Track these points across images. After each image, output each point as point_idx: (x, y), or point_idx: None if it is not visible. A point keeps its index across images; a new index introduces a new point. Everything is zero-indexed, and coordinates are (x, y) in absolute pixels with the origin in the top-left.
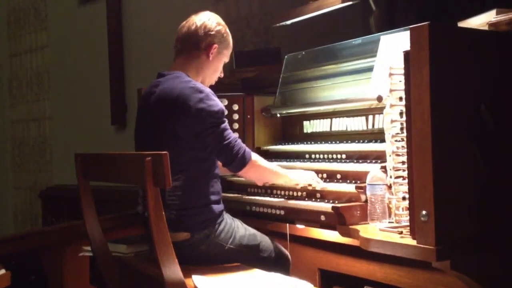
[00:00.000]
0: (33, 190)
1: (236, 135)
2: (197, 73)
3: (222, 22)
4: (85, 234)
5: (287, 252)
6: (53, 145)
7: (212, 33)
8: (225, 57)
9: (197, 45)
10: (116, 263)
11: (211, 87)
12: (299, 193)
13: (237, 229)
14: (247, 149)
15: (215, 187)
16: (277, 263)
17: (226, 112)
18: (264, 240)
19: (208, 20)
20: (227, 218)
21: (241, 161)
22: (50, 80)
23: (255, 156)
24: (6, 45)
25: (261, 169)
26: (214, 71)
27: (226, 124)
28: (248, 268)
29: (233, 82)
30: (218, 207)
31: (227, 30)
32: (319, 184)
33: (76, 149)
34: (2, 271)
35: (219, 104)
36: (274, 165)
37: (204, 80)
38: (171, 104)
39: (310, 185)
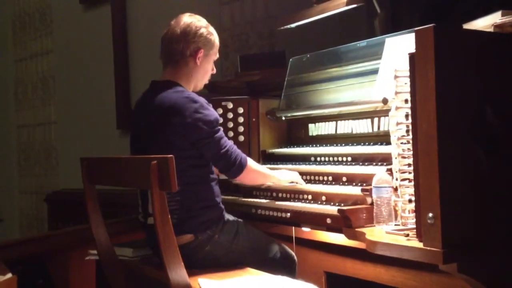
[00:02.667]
0: (39, 195)
1: (231, 142)
2: (188, 80)
3: (204, 23)
4: (91, 238)
5: (293, 253)
6: (59, 150)
7: (195, 39)
8: (213, 56)
9: (182, 54)
10: (122, 267)
11: (206, 89)
12: (305, 196)
13: (240, 230)
14: (243, 155)
15: (213, 190)
16: (282, 264)
17: (221, 121)
18: (268, 241)
19: (187, 26)
20: (230, 218)
21: (239, 168)
22: (55, 85)
23: (250, 161)
24: (12, 50)
25: (255, 173)
26: (205, 73)
27: (221, 133)
28: (254, 271)
29: (238, 85)
30: (218, 208)
31: (210, 29)
32: (305, 185)
33: (82, 153)
34: (9, 276)
35: (214, 113)
36: (264, 168)
37: (196, 84)
38: (165, 114)
39: (294, 182)
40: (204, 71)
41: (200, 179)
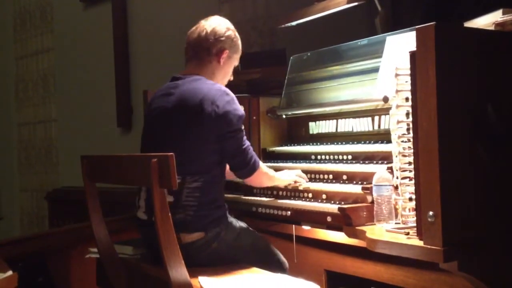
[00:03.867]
0: (40, 192)
1: (249, 143)
2: (210, 78)
3: (232, 27)
4: (92, 236)
5: (286, 261)
6: (59, 147)
7: (223, 38)
8: (235, 61)
9: (208, 51)
10: (123, 265)
11: None
12: (305, 194)
13: (242, 229)
14: (257, 158)
15: (223, 191)
16: (278, 268)
17: None
18: (267, 244)
19: (218, 25)
20: (232, 218)
21: (252, 169)
22: (56, 83)
23: (261, 164)
24: (12, 48)
25: (264, 176)
26: (225, 75)
27: (244, 132)
28: (255, 269)
29: (238, 83)
30: (224, 207)
31: (237, 34)
32: (304, 182)
33: (82, 151)
34: (9, 273)
35: (242, 109)
36: (271, 171)
37: None
38: (196, 104)
39: (296, 182)
40: (225, 72)
41: (217, 179)
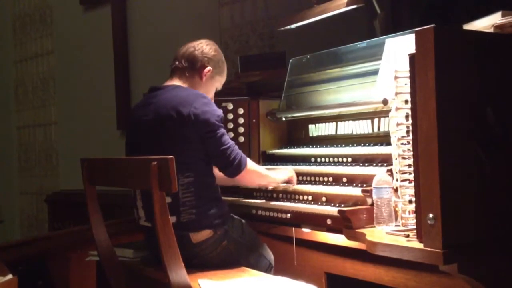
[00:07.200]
0: (40, 195)
1: (233, 142)
2: None
3: (220, 52)
4: (92, 239)
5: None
6: (59, 150)
7: (209, 56)
8: (218, 83)
9: (192, 65)
10: (123, 267)
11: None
12: (305, 197)
13: (244, 224)
14: (243, 156)
15: (216, 184)
16: (267, 266)
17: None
18: (261, 243)
19: (207, 45)
20: (233, 214)
21: (238, 167)
22: (55, 86)
23: (249, 162)
24: (12, 51)
25: (254, 174)
26: (205, 93)
27: (224, 131)
28: (254, 271)
29: (238, 86)
30: (224, 201)
31: (223, 59)
32: (295, 182)
33: (82, 154)
34: (9, 276)
35: (219, 110)
36: (262, 168)
37: None
38: (175, 109)
39: (288, 183)
40: (206, 90)
41: (209, 173)
